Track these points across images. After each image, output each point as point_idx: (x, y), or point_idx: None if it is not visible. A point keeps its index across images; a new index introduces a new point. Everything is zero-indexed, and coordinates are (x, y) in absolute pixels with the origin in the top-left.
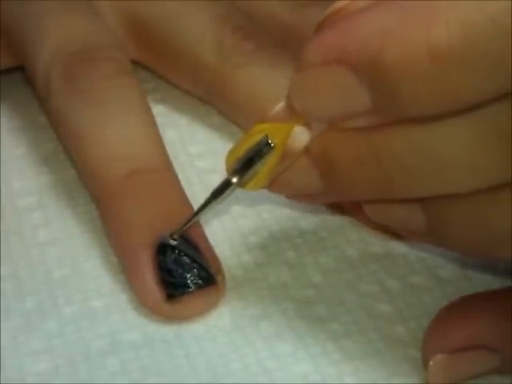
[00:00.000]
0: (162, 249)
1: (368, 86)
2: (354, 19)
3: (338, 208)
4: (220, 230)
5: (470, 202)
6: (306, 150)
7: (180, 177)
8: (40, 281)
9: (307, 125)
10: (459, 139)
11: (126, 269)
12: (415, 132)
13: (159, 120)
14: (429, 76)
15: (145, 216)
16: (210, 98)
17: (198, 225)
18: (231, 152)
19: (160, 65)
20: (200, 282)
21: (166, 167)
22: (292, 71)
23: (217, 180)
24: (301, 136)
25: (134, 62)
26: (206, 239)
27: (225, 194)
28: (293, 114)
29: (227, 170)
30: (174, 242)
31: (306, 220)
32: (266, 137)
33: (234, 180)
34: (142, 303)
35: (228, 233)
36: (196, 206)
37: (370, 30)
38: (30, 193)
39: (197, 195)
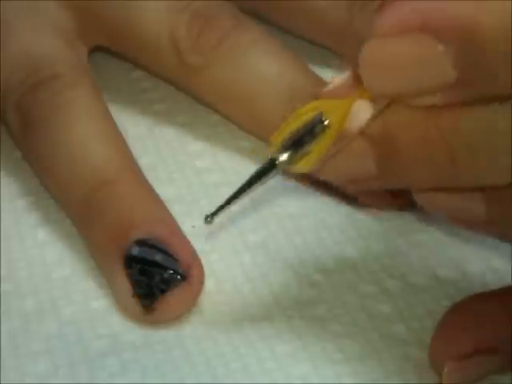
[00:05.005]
0: (127, 262)
1: (456, 56)
2: None
3: (347, 198)
4: (219, 230)
5: None
6: (362, 132)
7: (179, 176)
8: (39, 281)
9: (368, 102)
10: None
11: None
12: (489, 111)
13: (157, 119)
14: None
15: (109, 230)
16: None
17: (170, 222)
18: (279, 130)
19: (126, 53)
20: (164, 286)
21: (128, 174)
22: (261, 52)
23: (216, 179)
24: (360, 114)
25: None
26: (174, 234)
27: (270, 175)
28: (355, 88)
29: (272, 149)
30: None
31: (306, 219)
32: (321, 114)
33: (282, 159)
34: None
35: (227, 232)
36: (195, 205)
37: None
38: (29, 193)
39: (196, 194)
